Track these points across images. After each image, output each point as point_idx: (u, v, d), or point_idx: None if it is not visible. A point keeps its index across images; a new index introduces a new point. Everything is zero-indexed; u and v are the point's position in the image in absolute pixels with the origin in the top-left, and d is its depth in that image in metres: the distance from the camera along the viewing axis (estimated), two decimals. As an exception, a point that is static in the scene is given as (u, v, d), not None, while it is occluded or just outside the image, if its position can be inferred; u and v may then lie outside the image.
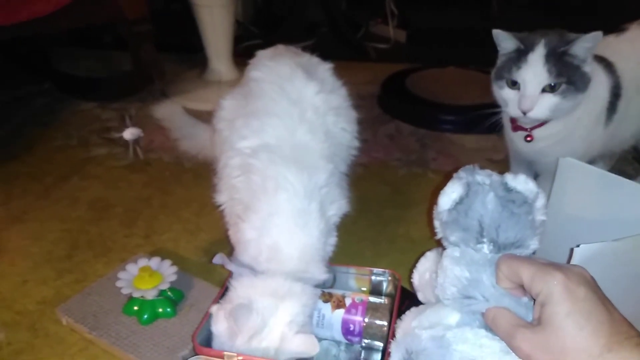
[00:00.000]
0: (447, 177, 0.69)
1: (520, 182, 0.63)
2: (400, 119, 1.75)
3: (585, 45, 0.88)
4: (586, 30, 1.06)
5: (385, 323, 0.85)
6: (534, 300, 0.55)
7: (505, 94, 0.95)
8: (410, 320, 0.70)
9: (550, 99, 0.90)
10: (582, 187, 0.85)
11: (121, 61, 2.06)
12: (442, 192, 0.67)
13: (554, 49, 0.88)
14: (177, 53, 2.26)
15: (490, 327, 0.59)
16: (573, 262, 0.64)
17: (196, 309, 0.95)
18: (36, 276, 1.07)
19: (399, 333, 0.72)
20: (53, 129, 1.70)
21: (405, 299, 0.96)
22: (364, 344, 0.88)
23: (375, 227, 1.22)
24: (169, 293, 0.95)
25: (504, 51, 0.96)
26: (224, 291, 0.85)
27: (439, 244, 0.72)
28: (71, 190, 1.37)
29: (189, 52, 2.13)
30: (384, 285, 0.94)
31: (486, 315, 0.59)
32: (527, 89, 0.90)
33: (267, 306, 0.76)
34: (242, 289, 0.79)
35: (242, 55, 2.26)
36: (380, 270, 0.93)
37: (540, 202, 0.63)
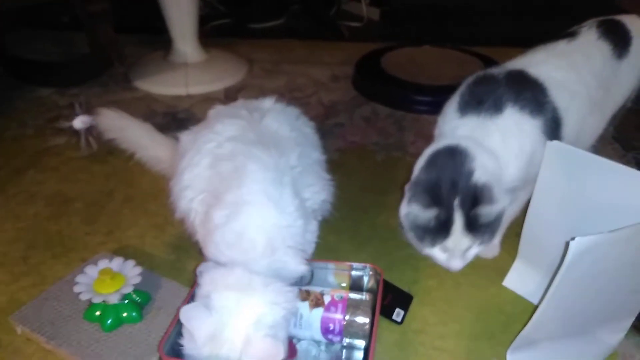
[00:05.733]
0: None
1: None
2: (376, 101, 1.69)
3: (491, 210, 0.80)
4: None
5: (367, 320, 0.80)
6: None
7: (432, 254, 0.86)
8: None
9: (473, 251, 0.85)
10: (569, 171, 0.81)
11: (79, 43, 1.93)
12: None
13: (468, 214, 0.80)
14: (139, 35, 2.14)
15: None
16: (569, 255, 0.61)
17: (164, 312, 0.89)
18: (-12, 281, 0.99)
19: None
20: (6, 117, 1.58)
21: (387, 292, 0.92)
22: (345, 343, 0.83)
23: (354, 216, 1.17)
24: (133, 296, 0.88)
25: (420, 222, 0.83)
26: (190, 295, 0.79)
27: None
28: (27, 185, 1.28)
29: (152, 34, 2.02)
30: (365, 280, 0.89)
31: None
32: (455, 254, 0.84)
33: (227, 304, 0.69)
34: (202, 287, 0.73)
35: (209, 35, 2.17)
36: (360, 264, 0.88)
37: None
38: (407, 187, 0.86)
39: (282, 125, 0.90)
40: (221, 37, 2.15)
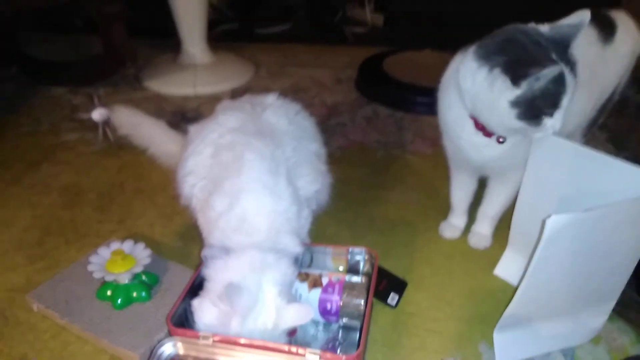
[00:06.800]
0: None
1: None
2: (377, 102, 1.74)
3: (580, 31, 0.82)
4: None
5: (362, 302, 0.85)
6: None
7: (544, 126, 0.83)
8: None
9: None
10: (557, 161, 0.86)
11: (92, 45, 2.00)
12: None
13: (567, 56, 0.80)
14: (150, 37, 2.21)
15: None
16: (545, 232, 0.65)
17: (171, 293, 0.94)
18: (5, 263, 1.04)
19: None
20: (21, 114, 1.65)
21: (383, 278, 0.97)
22: (342, 323, 0.88)
23: (354, 209, 1.22)
24: (143, 277, 0.93)
25: (539, 91, 0.80)
26: (196, 275, 0.84)
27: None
28: (42, 177, 1.34)
29: (163, 37, 2.08)
30: (361, 264, 0.94)
31: None
32: (562, 111, 0.82)
33: (253, 282, 0.75)
34: (218, 273, 0.78)
35: (217, 39, 2.24)
36: (357, 248, 0.93)
37: None
38: (499, 71, 0.81)
39: (281, 119, 0.95)
40: (229, 41, 2.22)
